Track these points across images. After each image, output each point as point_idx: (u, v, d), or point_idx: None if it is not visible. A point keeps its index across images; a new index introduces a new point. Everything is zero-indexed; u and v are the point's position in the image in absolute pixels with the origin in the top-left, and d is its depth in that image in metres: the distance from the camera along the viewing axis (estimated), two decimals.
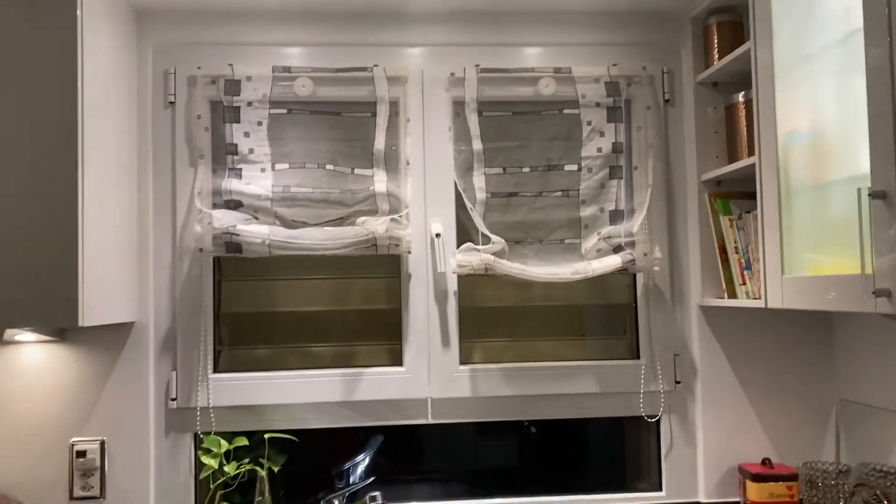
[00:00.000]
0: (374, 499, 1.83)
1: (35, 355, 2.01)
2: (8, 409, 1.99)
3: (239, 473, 1.98)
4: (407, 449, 2.27)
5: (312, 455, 2.20)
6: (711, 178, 2.12)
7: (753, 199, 1.86)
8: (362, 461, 2.24)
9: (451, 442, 2.27)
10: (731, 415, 2.17)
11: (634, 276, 2.22)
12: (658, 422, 2.20)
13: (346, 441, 2.24)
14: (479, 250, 2.05)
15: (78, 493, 2.00)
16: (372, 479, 1.87)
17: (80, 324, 1.67)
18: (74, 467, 1.99)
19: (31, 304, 1.66)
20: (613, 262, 2.07)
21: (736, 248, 2.01)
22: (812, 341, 2.18)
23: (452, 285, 2.16)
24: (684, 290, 2.21)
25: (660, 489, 2.20)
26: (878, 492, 1.92)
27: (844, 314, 2.11)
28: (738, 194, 2.08)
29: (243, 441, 2.01)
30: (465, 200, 2.11)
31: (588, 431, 2.34)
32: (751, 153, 1.89)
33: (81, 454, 2.00)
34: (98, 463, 2.00)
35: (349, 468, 2.21)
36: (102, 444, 2.01)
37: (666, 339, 2.19)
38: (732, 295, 2.05)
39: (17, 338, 1.92)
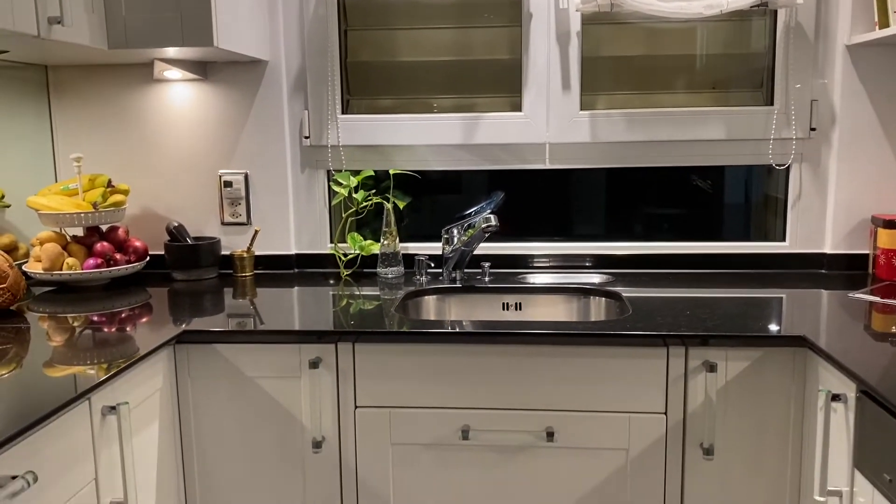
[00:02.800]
0: (487, 220, 1.91)
1: (183, 93, 2.19)
2: (163, 143, 2.21)
3: (368, 204, 2.13)
4: (527, 204, 2.32)
5: (435, 202, 2.32)
6: None
7: None
8: (482, 209, 2.33)
9: (567, 193, 2.29)
10: (868, 164, 2.05)
11: (774, 15, 2.06)
12: (788, 171, 2.12)
13: (468, 195, 2.33)
14: None
15: (228, 219, 2.23)
16: (491, 215, 1.94)
17: (214, 43, 1.78)
18: (223, 196, 2.21)
19: (172, 25, 1.78)
20: None
21: None
22: None
23: (575, 25, 2.10)
24: (830, 28, 2.03)
25: (783, 240, 2.15)
26: None
27: None
28: None
29: (370, 172, 2.15)
30: None
31: (713, 180, 2.29)
32: None
33: (228, 184, 2.21)
34: (243, 193, 2.21)
35: (470, 213, 2.31)
36: (246, 176, 2.21)
37: (804, 82, 2.05)
38: (885, 25, 1.86)
39: (167, 74, 2.09)
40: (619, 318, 1.66)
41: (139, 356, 1.45)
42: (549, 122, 2.15)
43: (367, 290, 1.95)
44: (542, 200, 2.27)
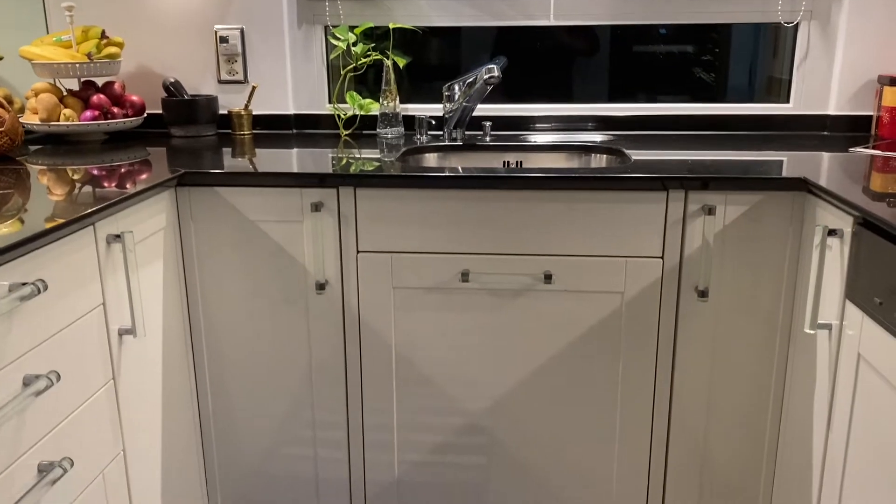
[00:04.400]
0: (490, 70, 1.88)
1: None
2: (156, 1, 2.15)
3: (367, 60, 2.09)
4: (529, 66, 2.27)
5: (436, 66, 2.27)
6: None
7: None
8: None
9: (570, 54, 2.25)
10: (880, 21, 2.00)
11: None
12: (796, 29, 2.07)
13: (469, 60, 2.28)
14: None
15: (224, 76, 2.19)
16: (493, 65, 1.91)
17: None
18: (219, 52, 2.17)
19: None
20: None
21: None
22: None
23: None
24: None
25: (787, 101, 2.13)
26: None
27: None
28: None
29: (369, 24, 2.10)
30: None
31: (719, 40, 2.25)
32: None
33: (224, 40, 2.15)
34: (240, 49, 2.16)
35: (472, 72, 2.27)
36: (242, 31, 2.15)
37: None
38: None
39: None
40: (621, 166, 1.66)
41: (141, 189, 1.45)
42: None
43: (367, 150, 1.94)
44: (544, 62, 2.23)
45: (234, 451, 1.82)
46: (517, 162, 2.01)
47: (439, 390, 1.73)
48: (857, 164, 1.65)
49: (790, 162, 1.70)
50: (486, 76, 1.90)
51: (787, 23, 2.06)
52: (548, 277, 1.62)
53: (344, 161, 1.76)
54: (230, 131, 2.19)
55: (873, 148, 1.83)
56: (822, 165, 1.64)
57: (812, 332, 1.44)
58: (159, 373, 1.58)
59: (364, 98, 2.15)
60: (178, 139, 2.09)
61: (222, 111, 2.20)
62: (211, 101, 2.14)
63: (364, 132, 2.19)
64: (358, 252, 1.66)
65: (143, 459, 1.52)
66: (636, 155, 1.79)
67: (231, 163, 1.76)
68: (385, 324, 1.70)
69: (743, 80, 2.19)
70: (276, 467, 1.82)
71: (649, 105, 2.16)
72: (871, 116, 2.06)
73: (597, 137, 2.06)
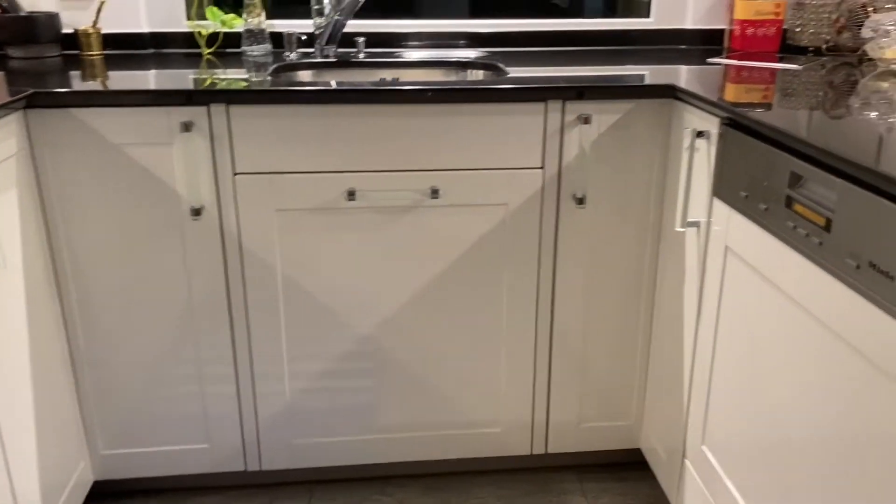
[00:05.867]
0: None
1: None
2: None
3: None
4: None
5: None
6: None
7: None
8: None
9: None
10: None
11: None
12: None
13: None
14: None
15: None
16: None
17: None
18: None
19: None
20: None
21: None
22: None
23: None
24: None
25: (648, 15, 2.21)
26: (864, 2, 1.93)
27: None
28: None
29: None
30: None
31: None
32: None
33: None
34: None
35: None
36: None
37: None
38: None
39: None
40: (499, 78, 1.67)
41: None
42: None
43: (234, 69, 1.84)
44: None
45: (113, 392, 1.73)
46: (394, 78, 1.97)
47: (329, 314, 1.71)
48: (715, 75, 1.75)
49: (654, 73, 1.77)
50: None
51: None
52: (434, 192, 1.62)
53: (208, 81, 1.65)
54: (77, 52, 2.00)
55: (727, 58, 1.94)
56: (685, 76, 1.73)
57: (682, 229, 1.54)
58: (23, 308, 1.46)
59: (226, 14, 2.01)
60: (16, 61, 1.89)
61: (67, 30, 2.00)
62: (52, 18, 1.94)
63: (228, 50, 2.07)
64: (235, 174, 1.59)
65: (12, 400, 1.41)
66: (512, 70, 1.80)
67: (84, 85, 1.61)
68: (268, 249, 1.64)
69: None
70: (160, 406, 1.75)
71: (518, 21, 2.17)
72: (723, 30, 2.18)
73: (471, 54, 2.05)
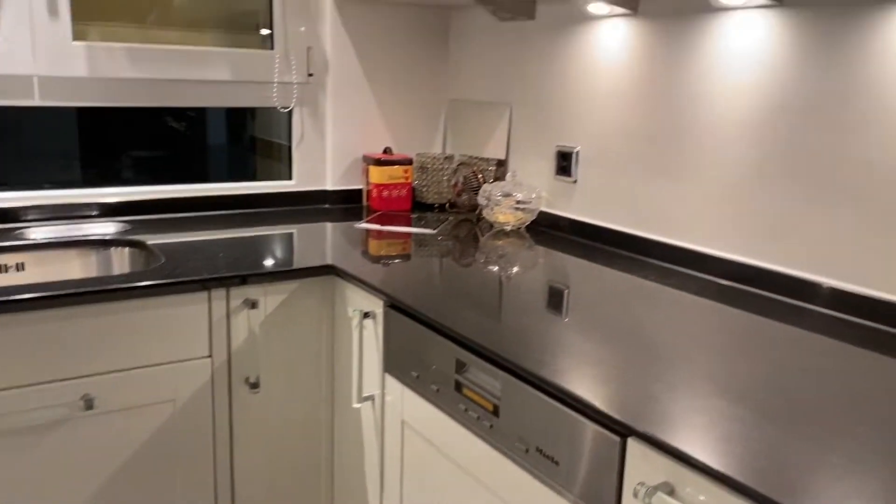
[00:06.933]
0: None
1: None
2: None
3: None
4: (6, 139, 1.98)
5: None
6: None
7: None
8: None
9: (62, 132, 2.04)
10: (357, 108, 2.31)
11: None
12: (291, 113, 2.25)
13: None
14: None
15: None
16: None
17: None
18: None
19: None
20: None
21: None
22: (431, 42, 2.38)
23: None
24: None
25: (290, 178, 2.30)
26: (474, 169, 2.26)
27: (461, 16, 2.32)
28: None
29: None
30: None
31: (218, 123, 2.30)
32: None
33: None
34: None
35: None
36: None
37: (299, 31, 2.19)
38: None
39: None
40: (156, 267, 1.58)
41: None
42: (37, 52, 1.86)
43: None
44: (11, 143, 1.97)
45: None
46: (17, 264, 1.73)
47: None
48: (361, 236, 1.88)
49: (306, 240, 1.84)
50: None
51: (283, 108, 2.22)
52: (89, 402, 1.44)
53: None
54: None
55: (369, 222, 2.10)
56: (338, 244, 1.82)
57: (359, 405, 1.59)
58: None
59: None
60: None
61: None
62: None
63: None
64: None
65: None
66: (157, 243, 1.72)
67: None
68: None
69: (245, 161, 2.29)
70: None
71: (154, 188, 2.09)
72: (360, 190, 2.36)
73: (108, 228, 1.90)
